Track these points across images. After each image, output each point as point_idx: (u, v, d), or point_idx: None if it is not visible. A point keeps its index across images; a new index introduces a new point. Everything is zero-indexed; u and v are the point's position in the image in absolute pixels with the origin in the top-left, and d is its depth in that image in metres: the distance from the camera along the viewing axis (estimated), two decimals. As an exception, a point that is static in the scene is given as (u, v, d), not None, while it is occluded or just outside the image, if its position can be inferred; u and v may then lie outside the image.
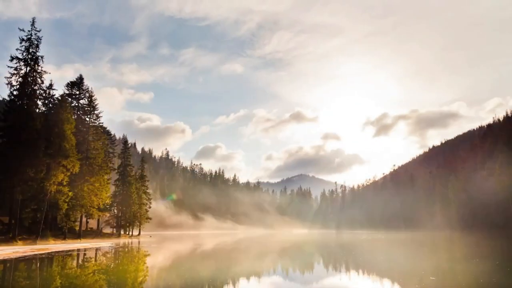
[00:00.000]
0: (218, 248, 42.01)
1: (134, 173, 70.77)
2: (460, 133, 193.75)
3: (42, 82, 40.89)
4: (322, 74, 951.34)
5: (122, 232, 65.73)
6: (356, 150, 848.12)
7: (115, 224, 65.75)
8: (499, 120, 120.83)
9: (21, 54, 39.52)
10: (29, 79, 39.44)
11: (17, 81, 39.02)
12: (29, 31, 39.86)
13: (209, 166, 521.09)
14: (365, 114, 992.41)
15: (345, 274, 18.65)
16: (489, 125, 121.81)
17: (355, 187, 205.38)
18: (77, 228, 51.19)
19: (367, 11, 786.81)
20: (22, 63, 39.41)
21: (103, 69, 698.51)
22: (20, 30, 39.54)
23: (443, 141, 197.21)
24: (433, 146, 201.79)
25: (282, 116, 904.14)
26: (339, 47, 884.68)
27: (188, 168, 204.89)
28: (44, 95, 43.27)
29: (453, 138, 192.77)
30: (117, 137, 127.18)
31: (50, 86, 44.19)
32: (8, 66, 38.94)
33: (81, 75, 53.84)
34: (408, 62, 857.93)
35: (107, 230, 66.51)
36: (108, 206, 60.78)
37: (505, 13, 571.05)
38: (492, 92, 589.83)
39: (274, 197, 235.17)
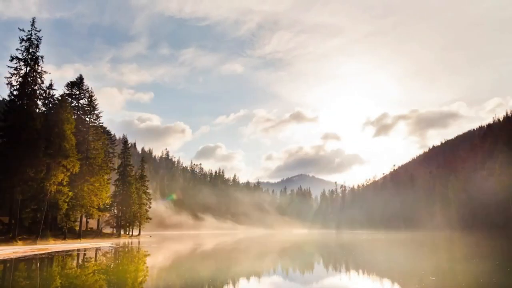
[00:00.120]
0: (218, 248, 42.01)
1: (134, 173, 70.78)
2: (460, 133, 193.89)
3: (42, 82, 40.93)
4: (322, 74, 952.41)
5: (122, 232, 65.73)
6: (356, 150, 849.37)
7: (115, 224, 65.76)
8: (499, 120, 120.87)
9: (21, 54, 39.56)
10: (29, 79, 39.44)
11: (17, 81, 39.03)
12: (29, 31, 39.90)
13: (209, 166, 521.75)
14: (365, 114, 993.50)
15: (345, 274, 18.65)
16: (489, 125, 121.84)
17: (355, 187, 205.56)
18: (77, 228, 51.19)
19: (367, 11, 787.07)
20: (22, 63, 39.42)
21: (103, 69, 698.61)
22: (20, 30, 39.59)
23: (443, 141, 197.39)
24: (433, 146, 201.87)
25: (282, 116, 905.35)
26: (339, 47, 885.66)
27: (188, 168, 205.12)
28: (44, 95, 43.28)
29: (453, 138, 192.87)
30: (117, 137, 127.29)
31: (50, 86, 44.21)
32: (8, 66, 38.99)
33: (81, 75, 53.91)
34: (408, 62, 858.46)
35: (107, 230, 66.51)
36: (108, 206, 60.78)
37: (505, 13, 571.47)
38: (492, 92, 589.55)
39: (274, 197, 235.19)
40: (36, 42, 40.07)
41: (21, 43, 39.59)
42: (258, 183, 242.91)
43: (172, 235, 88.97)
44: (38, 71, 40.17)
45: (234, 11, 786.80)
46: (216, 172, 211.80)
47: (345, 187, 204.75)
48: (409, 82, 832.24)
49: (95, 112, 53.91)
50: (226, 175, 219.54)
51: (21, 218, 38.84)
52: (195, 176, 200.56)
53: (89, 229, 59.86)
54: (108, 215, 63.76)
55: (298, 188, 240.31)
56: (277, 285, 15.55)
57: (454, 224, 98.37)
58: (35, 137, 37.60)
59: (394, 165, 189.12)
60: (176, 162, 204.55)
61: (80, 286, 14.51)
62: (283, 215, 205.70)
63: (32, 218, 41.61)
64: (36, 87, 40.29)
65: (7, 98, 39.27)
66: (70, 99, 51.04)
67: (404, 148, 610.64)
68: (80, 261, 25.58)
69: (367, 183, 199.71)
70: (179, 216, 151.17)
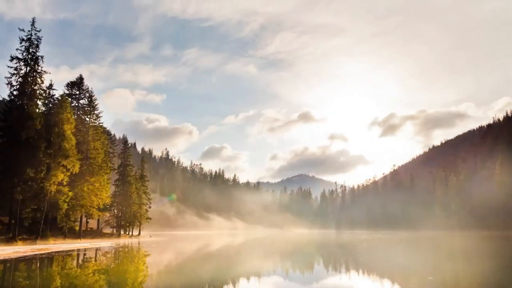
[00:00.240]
0: (218, 248, 42.00)
1: (134, 173, 70.74)
2: (460, 133, 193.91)
3: (42, 82, 40.79)
4: (327, 73, 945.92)
5: (122, 232, 65.73)
6: (361, 150, 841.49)
7: (115, 224, 65.73)
8: (499, 120, 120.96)
9: (21, 54, 39.45)
10: (29, 79, 39.41)
11: (17, 81, 38.96)
12: (29, 31, 39.81)
13: (214, 166, 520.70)
14: (372, 114, 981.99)
15: (345, 274, 18.66)
16: (489, 125, 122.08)
17: (355, 187, 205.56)
18: (77, 228, 51.20)
19: (371, 12, 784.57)
20: (22, 63, 39.33)
21: (106, 70, 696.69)
22: (20, 30, 39.50)
23: (443, 141, 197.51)
24: (433, 146, 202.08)
25: (290, 117, 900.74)
26: (344, 47, 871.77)
27: (188, 168, 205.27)
28: (44, 95, 43.24)
29: (453, 138, 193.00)
30: (117, 137, 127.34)
31: (50, 86, 44.17)
32: (8, 66, 38.86)
33: (81, 75, 53.86)
34: (415, 62, 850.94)
35: (107, 230, 66.48)
36: (108, 206, 60.73)
37: (511, 14, 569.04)
38: (500, 92, 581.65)
39: (274, 197, 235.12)
40: (36, 42, 39.99)
41: (21, 43, 39.52)
42: (258, 183, 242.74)
43: (172, 235, 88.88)
44: (38, 71, 40.09)
45: (238, 12, 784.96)
46: (216, 172, 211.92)
47: (345, 187, 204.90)
48: (418, 82, 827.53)
49: (95, 112, 53.90)
50: (226, 175, 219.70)
51: (21, 218, 38.85)
52: (195, 176, 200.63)
53: (89, 229, 59.86)
54: (108, 215, 63.72)
55: (298, 188, 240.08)
56: (277, 285, 15.56)
57: (454, 224, 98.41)
58: (35, 137, 37.58)
59: (394, 165, 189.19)
60: (176, 162, 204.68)
61: (80, 286, 14.52)
62: (283, 215, 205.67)
63: (32, 218, 41.60)
64: (36, 87, 40.20)
65: (7, 98, 39.26)
66: (70, 99, 51.02)
67: (409, 148, 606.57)
68: (80, 261, 25.59)
69: (367, 183, 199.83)
70: (179, 216, 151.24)
